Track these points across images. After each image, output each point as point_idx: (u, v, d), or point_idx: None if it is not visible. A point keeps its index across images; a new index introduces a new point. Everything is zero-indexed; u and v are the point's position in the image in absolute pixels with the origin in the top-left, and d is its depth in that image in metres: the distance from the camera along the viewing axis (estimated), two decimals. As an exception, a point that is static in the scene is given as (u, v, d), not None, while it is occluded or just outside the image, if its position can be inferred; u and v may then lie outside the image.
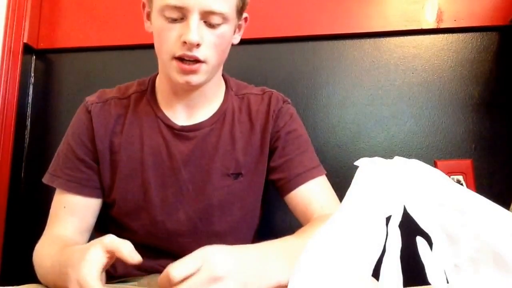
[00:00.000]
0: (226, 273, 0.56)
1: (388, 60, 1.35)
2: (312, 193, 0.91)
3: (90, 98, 0.96)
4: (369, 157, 0.49)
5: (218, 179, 0.92)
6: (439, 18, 1.32)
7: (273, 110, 0.97)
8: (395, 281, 0.40)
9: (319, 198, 0.91)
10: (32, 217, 1.37)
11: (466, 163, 1.26)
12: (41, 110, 1.43)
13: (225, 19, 0.83)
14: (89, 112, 0.94)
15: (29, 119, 1.42)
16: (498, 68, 1.30)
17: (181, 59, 0.82)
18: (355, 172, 0.49)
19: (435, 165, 1.28)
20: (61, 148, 0.95)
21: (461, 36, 1.33)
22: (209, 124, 0.94)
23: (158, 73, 0.99)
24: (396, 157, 0.48)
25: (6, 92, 1.34)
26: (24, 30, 1.40)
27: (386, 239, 0.42)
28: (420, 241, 0.43)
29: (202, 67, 0.83)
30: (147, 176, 0.91)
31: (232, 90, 1.00)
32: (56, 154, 0.95)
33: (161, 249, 0.91)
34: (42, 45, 1.45)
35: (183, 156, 0.92)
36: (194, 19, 0.79)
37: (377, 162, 0.47)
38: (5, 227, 1.31)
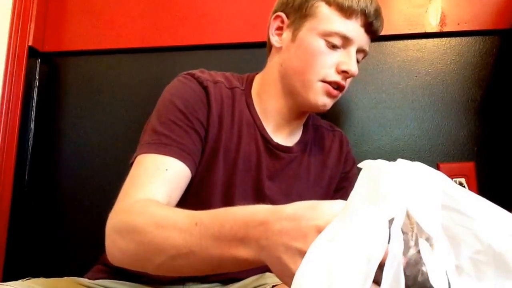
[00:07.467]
0: None
1: (392, 63, 1.35)
2: None
3: (198, 73, 0.88)
4: (373, 159, 0.49)
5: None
6: (443, 22, 1.32)
7: (344, 153, 1.03)
8: (397, 283, 0.40)
9: None
10: (35, 221, 1.37)
11: (469, 166, 1.26)
12: (46, 113, 1.42)
13: (363, 58, 0.92)
14: (204, 87, 0.86)
15: (33, 122, 1.42)
16: (501, 71, 1.30)
17: (329, 83, 0.86)
18: (358, 174, 0.50)
19: (438, 167, 1.28)
20: (161, 117, 0.82)
21: (464, 39, 1.33)
22: (295, 150, 0.96)
23: (253, 78, 0.98)
24: (399, 160, 0.48)
25: (10, 95, 1.33)
26: (29, 33, 1.40)
27: (388, 241, 0.42)
28: (422, 243, 0.43)
29: (339, 95, 0.89)
30: (235, 179, 0.89)
31: (310, 119, 1.03)
32: (147, 128, 0.83)
33: None
34: (47, 48, 1.45)
35: (270, 172, 0.92)
36: (354, 52, 0.86)
37: (380, 164, 0.48)
38: (8, 232, 1.30)
